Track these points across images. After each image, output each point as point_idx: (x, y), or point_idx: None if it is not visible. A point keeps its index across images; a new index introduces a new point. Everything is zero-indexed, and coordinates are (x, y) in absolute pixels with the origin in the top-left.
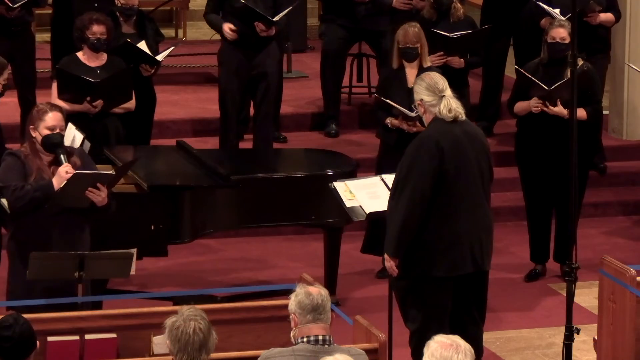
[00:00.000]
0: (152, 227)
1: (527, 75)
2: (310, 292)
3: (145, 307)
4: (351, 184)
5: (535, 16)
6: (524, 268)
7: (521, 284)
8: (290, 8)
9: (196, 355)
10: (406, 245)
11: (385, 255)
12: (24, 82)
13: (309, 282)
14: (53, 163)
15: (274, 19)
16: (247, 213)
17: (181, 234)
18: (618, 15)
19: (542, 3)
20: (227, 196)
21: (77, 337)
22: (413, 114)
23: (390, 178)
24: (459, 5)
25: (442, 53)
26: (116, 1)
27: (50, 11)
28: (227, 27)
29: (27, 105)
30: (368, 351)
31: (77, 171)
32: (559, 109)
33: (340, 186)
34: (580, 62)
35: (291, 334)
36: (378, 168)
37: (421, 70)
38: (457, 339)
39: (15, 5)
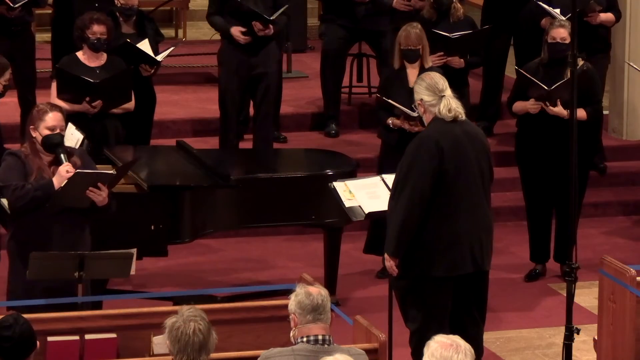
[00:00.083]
0: (152, 227)
1: (527, 75)
2: (310, 292)
3: (145, 307)
4: (351, 184)
5: (535, 16)
6: (524, 268)
7: (521, 284)
8: (286, 7)
9: (196, 356)
10: (406, 245)
11: (385, 255)
12: (24, 82)
13: (309, 282)
14: (53, 163)
15: (271, 18)
16: (247, 213)
17: (181, 234)
18: (618, 15)
19: (543, 3)
20: (227, 196)
21: (77, 337)
22: (414, 114)
23: (390, 178)
24: (459, 5)
25: (442, 53)
26: (116, 1)
27: (50, 11)
28: (237, 30)
29: (27, 105)
30: (368, 351)
31: (78, 170)
32: (559, 109)
33: (339, 186)
34: (580, 62)
35: (291, 334)
36: (379, 168)
37: (422, 70)
38: (457, 339)
39: (16, 5)
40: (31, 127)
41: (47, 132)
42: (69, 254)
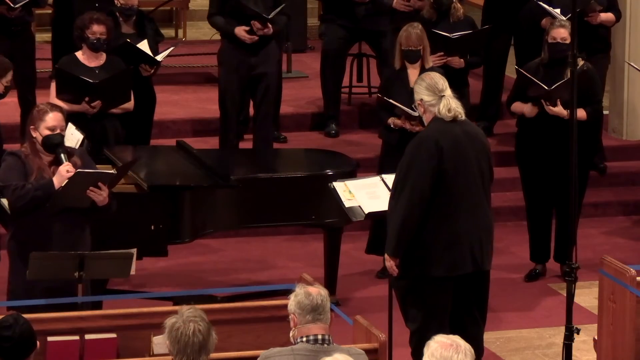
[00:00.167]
0: (152, 227)
1: (527, 75)
2: (309, 292)
3: (145, 307)
4: (351, 184)
5: (535, 16)
6: (524, 268)
7: (521, 284)
8: (283, 5)
9: (196, 356)
10: (406, 244)
11: (386, 255)
12: (24, 82)
13: (309, 282)
14: (53, 163)
15: (269, 17)
16: (247, 213)
17: (181, 234)
18: (618, 15)
19: (543, 3)
20: (227, 196)
21: (77, 337)
22: (416, 114)
23: (390, 178)
24: (458, 5)
25: (442, 53)
26: (116, 1)
27: (50, 11)
28: (242, 30)
29: (27, 105)
30: (368, 351)
31: (79, 170)
32: (559, 109)
33: (339, 186)
34: (580, 62)
35: (290, 334)
36: (380, 168)
37: (423, 71)
38: (457, 339)
39: (17, 6)
40: (31, 127)
41: (47, 132)
42: (69, 254)
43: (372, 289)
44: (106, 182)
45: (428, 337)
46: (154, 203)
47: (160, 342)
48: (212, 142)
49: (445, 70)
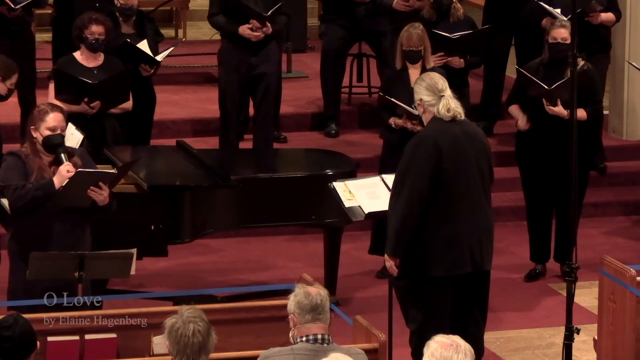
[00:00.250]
0: (152, 227)
1: (528, 75)
2: (309, 292)
3: (145, 307)
4: (351, 184)
5: (535, 16)
6: (524, 268)
7: (521, 284)
8: (282, 3)
9: (195, 357)
10: (405, 244)
11: (385, 255)
12: (24, 82)
13: (308, 282)
14: (54, 163)
15: (267, 15)
16: (247, 213)
17: (181, 234)
18: (618, 15)
19: (544, 3)
20: (227, 196)
21: (77, 337)
22: (417, 112)
23: (390, 178)
24: (458, 5)
25: (442, 53)
26: (115, 1)
27: (50, 11)
28: (246, 28)
29: (27, 105)
30: (368, 351)
31: (80, 169)
32: (559, 109)
33: (339, 186)
34: (581, 62)
35: (290, 334)
36: (381, 168)
37: (424, 71)
38: (457, 339)
39: (17, 7)
40: (32, 127)
41: (47, 132)
42: (69, 254)
43: (372, 289)
44: (107, 182)
45: (428, 337)
46: (154, 203)
47: (160, 342)
48: (212, 142)
49: (446, 71)
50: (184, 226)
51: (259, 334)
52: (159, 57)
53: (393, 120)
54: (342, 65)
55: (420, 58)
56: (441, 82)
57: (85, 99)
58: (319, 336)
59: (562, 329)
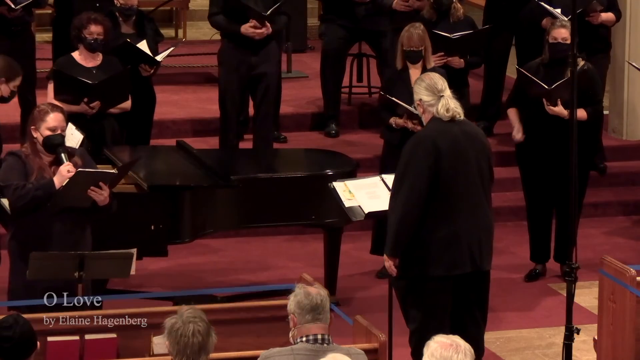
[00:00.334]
0: (152, 227)
1: (528, 75)
2: (309, 292)
3: (145, 307)
4: (351, 183)
5: (536, 16)
6: (524, 268)
7: (521, 284)
8: (281, 3)
9: (195, 357)
10: (404, 244)
11: (385, 255)
12: (24, 82)
13: (309, 282)
14: (54, 163)
15: (266, 14)
16: (247, 213)
17: (181, 234)
18: (619, 15)
19: (544, 3)
20: (227, 196)
21: (77, 337)
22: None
23: (390, 178)
24: (458, 5)
25: (442, 53)
26: (115, 1)
27: (50, 11)
28: (249, 26)
29: (27, 105)
30: (368, 351)
31: (80, 169)
32: (559, 109)
33: (339, 186)
34: (581, 62)
35: (290, 334)
36: (382, 168)
37: (425, 71)
38: (457, 339)
39: (17, 7)
40: (32, 127)
41: (48, 132)
42: (69, 254)
43: (372, 289)
44: (107, 182)
45: (428, 337)
46: (154, 203)
47: (160, 342)
48: (212, 142)
49: (446, 71)
50: (184, 226)
51: (259, 334)
52: (158, 57)
53: (394, 120)
54: (342, 65)
55: (421, 58)
56: (440, 82)
57: (85, 99)
58: (319, 336)
59: (562, 329)
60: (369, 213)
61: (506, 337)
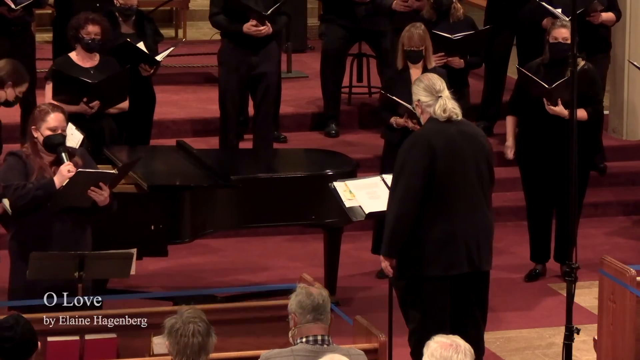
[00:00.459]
0: (152, 227)
1: (528, 74)
2: (311, 292)
3: (145, 307)
4: (351, 183)
5: (536, 16)
6: (524, 268)
7: (521, 284)
8: (281, 3)
9: (195, 357)
10: (400, 244)
11: (381, 255)
12: None
13: (309, 282)
14: (54, 163)
15: (267, 14)
16: (247, 213)
17: (181, 234)
18: (619, 15)
19: (545, 3)
20: (227, 196)
21: (77, 337)
22: None
23: (390, 178)
24: (458, 5)
25: (442, 54)
26: (115, 1)
27: (50, 11)
28: (250, 25)
29: (27, 105)
30: (368, 351)
31: (80, 169)
32: (560, 109)
33: (340, 186)
34: (581, 62)
35: (290, 334)
36: (382, 168)
37: (425, 71)
38: (457, 339)
39: (17, 7)
40: (33, 127)
41: (48, 132)
42: (69, 254)
43: (372, 289)
44: (107, 182)
45: (427, 337)
46: (154, 203)
47: (160, 342)
48: (212, 142)
49: (446, 71)
50: (184, 226)
51: (259, 334)
52: (158, 57)
53: (394, 120)
54: (342, 65)
55: (422, 58)
56: (439, 82)
57: (85, 99)
58: (319, 337)
59: (562, 329)
60: (370, 213)
61: (506, 337)
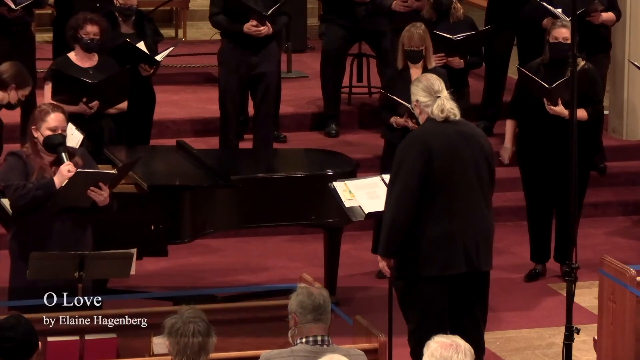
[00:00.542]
0: (152, 227)
1: (528, 74)
2: (311, 292)
3: (145, 307)
4: (351, 183)
5: (537, 16)
6: (524, 268)
7: (521, 284)
8: (282, 3)
9: (195, 357)
10: (397, 244)
11: (379, 255)
12: None
13: (309, 282)
14: (55, 163)
15: (267, 14)
16: (247, 213)
17: (181, 234)
18: (618, 15)
19: (545, 3)
20: (227, 196)
21: (77, 337)
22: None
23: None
24: (458, 5)
25: (442, 54)
26: (115, 1)
27: (50, 11)
28: (250, 25)
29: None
30: (368, 351)
31: (79, 169)
32: (560, 109)
33: (339, 186)
34: (581, 62)
35: (289, 334)
36: (382, 168)
37: (426, 71)
38: (457, 339)
39: (17, 7)
40: (33, 127)
41: (48, 132)
42: (69, 254)
43: (372, 289)
44: (107, 183)
45: (426, 337)
46: (154, 203)
47: (160, 342)
48: (212, 142)
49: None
50: (184, 226)
51: (259, 334)
52: (158, 57)
53: (394, 120)
54: (342, 65)
55: (422, 58)
56: (437, 83)
57: (84, 99)
58: (319, 338)
59: (562, 329)
60: (369, 213)
61: (506, 337)
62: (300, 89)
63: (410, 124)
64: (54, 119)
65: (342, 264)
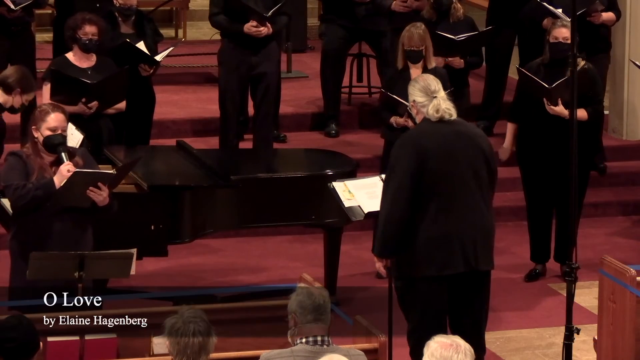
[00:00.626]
0: (152, 227)
1: (528, 74)
2: (312, 292)
3: (145, 307)
4: (350, 183)
5: (537, 16)
6: (524, 268)
7: (521, 284)
8: (282, 4)
9: (195, 357)
10: (392, 244)
11: (375, 256)
12: None
13: (309, 282)
14: (55, 163)
15: (267, 15)
16: (247, 213)
17: (181, 234)
18: (618, 14)
19: (545, 3)
20: (227, 196)
21: (77, 337)
22: None
23: None
24: (458, 5)
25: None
26: (115, 1)
27: (50, 11)
28: (251, 25)
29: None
30: (368, 351)
31: (77, 169)
32: (560, 109)
33: (339, 186)
34: (581, 62)
35: (289, 334)
36: (382, 168)
37: (426, 71)
38: (457, 339)
39: (17, 8)
40: (33, 127)
41: (48, 132)
42: (69, 254)
43: (372, 289)
44: (106, 183)
45: (425, 337)
46: (154, 203)
47: (160, 342)
48: (212, 142)
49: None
50: (184, 226)
51: (259, 334)
52: (158, 57)
53: (394, 120)
54: (342, 65)
55: (422, 58)
56: (434, 83)
57: (83, 99)
58: (319, 338)
59: (562, 329)
60: (369, 213)
61: (506, 337)
62: (300, 89)
63: (410, 123)
64: (54, 119)
65: (342, 264)
